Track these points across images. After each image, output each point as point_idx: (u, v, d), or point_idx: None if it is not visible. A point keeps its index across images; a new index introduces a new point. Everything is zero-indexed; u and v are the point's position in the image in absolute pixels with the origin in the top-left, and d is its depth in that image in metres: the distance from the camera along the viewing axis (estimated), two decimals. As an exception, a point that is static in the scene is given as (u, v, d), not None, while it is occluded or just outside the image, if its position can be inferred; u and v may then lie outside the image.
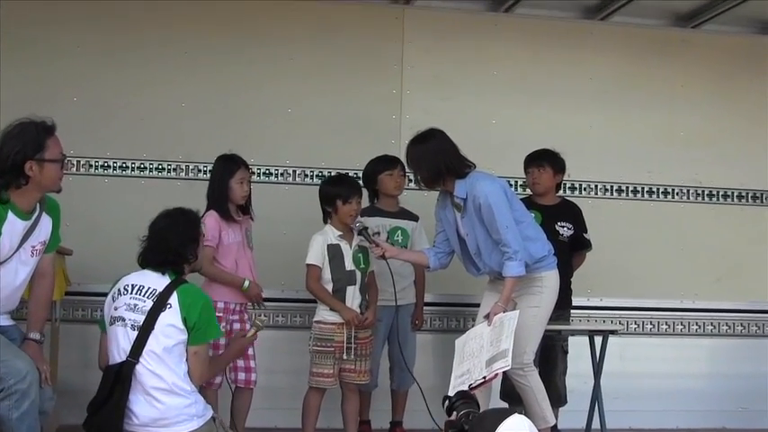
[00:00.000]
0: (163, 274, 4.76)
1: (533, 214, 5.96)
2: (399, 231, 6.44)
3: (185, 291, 4.71)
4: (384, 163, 6.45)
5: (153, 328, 4.61)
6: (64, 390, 5.47)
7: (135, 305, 4.68)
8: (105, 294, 4.84)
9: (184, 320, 4.63)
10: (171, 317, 4.64)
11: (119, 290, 4.77)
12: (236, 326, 5.70)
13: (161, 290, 4.68)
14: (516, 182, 7.10)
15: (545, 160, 6.53)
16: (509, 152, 7.09)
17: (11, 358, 4.51)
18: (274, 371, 6.54)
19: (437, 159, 5.48)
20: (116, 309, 4.73)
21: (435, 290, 6.88)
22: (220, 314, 5.47)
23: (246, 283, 5.66)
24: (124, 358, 4.62)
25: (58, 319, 6.15)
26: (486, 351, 5.24)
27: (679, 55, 7.69)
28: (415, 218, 6.54)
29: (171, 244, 4.81)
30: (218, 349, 5.43)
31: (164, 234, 4.83)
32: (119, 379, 4.59)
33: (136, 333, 4.62)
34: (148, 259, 4.82)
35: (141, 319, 4.63)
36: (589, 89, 7.55)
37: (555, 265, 5.64)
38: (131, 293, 4.72)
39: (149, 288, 4.70)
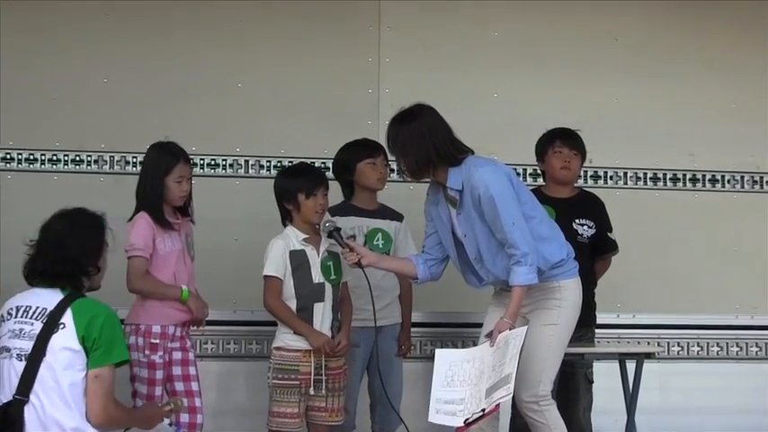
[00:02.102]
0: (56, 289, 4.65)
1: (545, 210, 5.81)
2: (380, 234, 6.33)
3: (82, 305, 4.58)
4: (365, 149, 6.34)
5: (44, 356, 4.50)
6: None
7: (21, 330, 4.57)
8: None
9: (83, 340, 4.51)
10: (65, 339, 4.51)
11: (2, 315, 4.69)
12: (177, 355, 5.58)
13: (52, 308, 4.57)
14: (525, 170, 7.06)
15: (578, 141, 6.46)
16: (514, 134, 7.04)
17: None
18: (225, 411, 6.58)
19: (425, 142, 5.37)
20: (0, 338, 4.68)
21: (426, 307, 6.77)
22: (157, 341, 5.47)
23: (185, 291, 5.55)
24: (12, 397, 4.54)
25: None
26: (486, 378, 5.16)
27: (728, 8, 7.49)
28: (398, 217, 6.40)
29: (69, 252, 4.69)
30: (153, 399, 5.41)
31: (60, 239, 4.72)
32: (7, 423, 4.50)
33: (23, 364, 4.52)
34: (38, 271, 4.69)
35: (29, 345, 4.53)
36: (614, 53, 7.41)
37: (576, 272, 5.52)
38: (16, 317, 4.62)
39: (38, 308, 4.59)
